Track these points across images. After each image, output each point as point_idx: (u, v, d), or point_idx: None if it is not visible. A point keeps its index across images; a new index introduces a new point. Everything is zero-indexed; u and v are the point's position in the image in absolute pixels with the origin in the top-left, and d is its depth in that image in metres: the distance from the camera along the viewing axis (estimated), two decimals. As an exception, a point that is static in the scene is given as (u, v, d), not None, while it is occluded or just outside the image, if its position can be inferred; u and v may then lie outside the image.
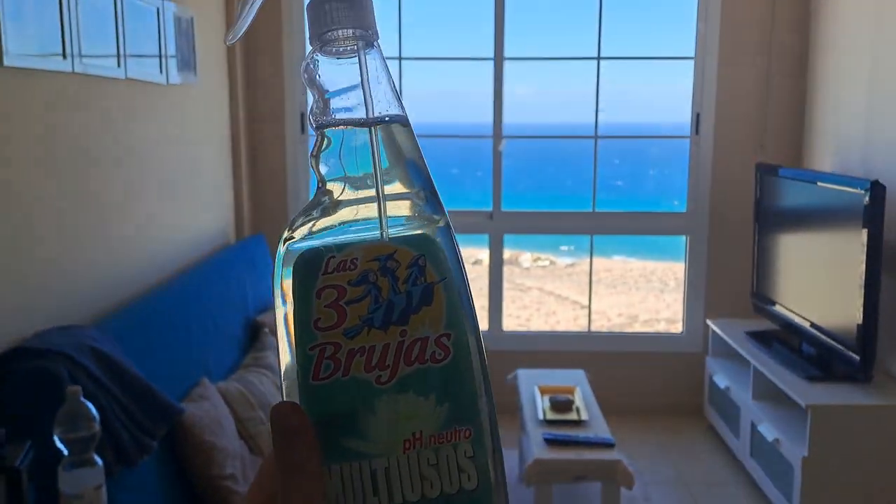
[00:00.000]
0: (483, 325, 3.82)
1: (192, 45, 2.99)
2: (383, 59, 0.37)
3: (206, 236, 3.17)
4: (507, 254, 3.84)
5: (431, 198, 0.36)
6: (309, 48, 0.37)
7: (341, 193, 0.36)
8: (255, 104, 3.62)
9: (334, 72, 0.37)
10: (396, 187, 0.36)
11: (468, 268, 0.36)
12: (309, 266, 0.34)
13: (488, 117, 3.65)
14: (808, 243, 3.08)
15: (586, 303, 3.94)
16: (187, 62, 2.95)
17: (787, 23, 3.45)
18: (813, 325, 2.88)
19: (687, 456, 3.31)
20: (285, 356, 0.35)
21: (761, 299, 3.31)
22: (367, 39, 0.36)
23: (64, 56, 2.01)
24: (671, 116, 3.87)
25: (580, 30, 3.81)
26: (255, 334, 2.85)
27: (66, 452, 1.46)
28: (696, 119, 3.59)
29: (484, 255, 3.89)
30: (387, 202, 0.35)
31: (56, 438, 1.45)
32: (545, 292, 7.02)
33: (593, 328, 4.09)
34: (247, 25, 0.39)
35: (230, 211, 3.52)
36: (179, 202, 2.91)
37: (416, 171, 0.36)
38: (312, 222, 0.35)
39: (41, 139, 1.97)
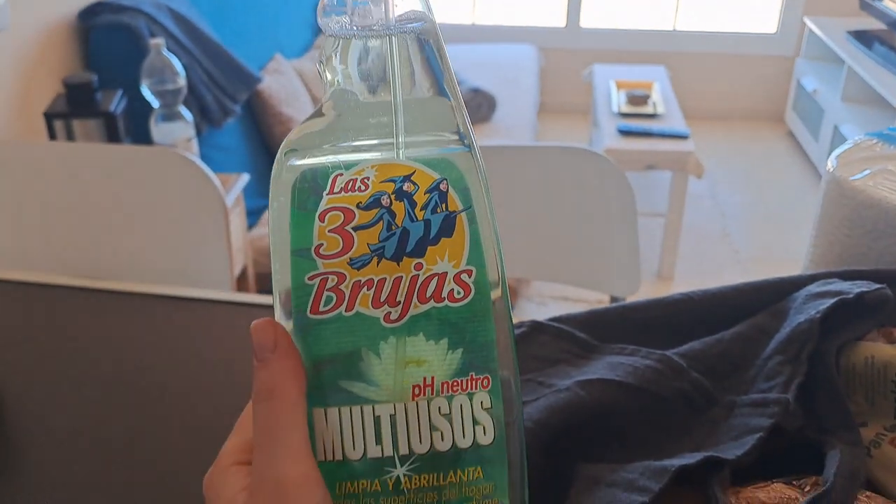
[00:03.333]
0: (560, 21, 3.64)
1: None
2: None
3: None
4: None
5: (459, 117, 0.31)
6: None
7: (350, 104, 0.31)
8: None
9: None
10: (418, 99, 0.31)
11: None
12: (311, 185, 0.30)
13: None
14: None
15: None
16: None
17: None
18: (924, 20, 2.64)
19: (760, 159, 3.28)
20: (281, 286, 0.31)
21: (871, -6, 3.02)
22: None
23: None
24: None
25: None
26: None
27: (155, 104, 1.52)
28: None
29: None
30: (404, 118, 0.30)
31: (145, 89, 1.51)
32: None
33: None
34: None
35: None
36: None
37: (443, 86, 0.31)
38: (317, 135, 0.31)
39: None
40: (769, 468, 0.38)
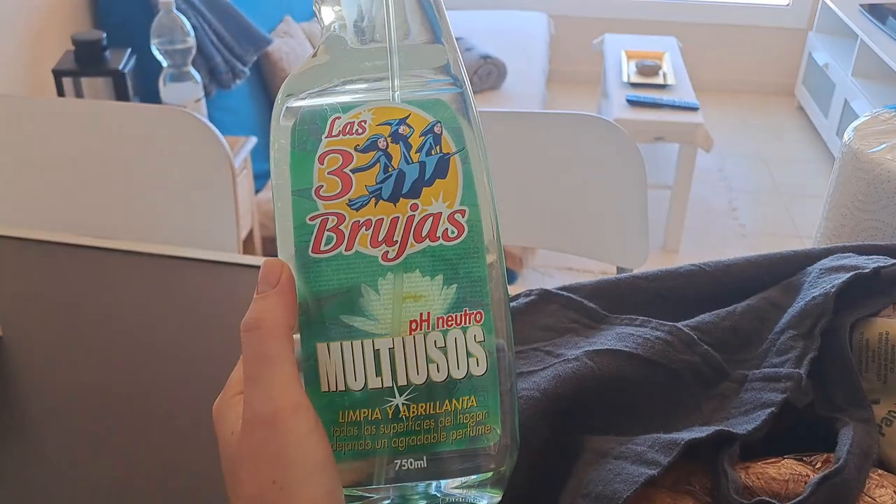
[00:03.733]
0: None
1: None
2: None
3: None
4: None
5: (452, 60, 0.32)
6: None
7: (347, 47, 0.32)
8: None
9: None
10: (412, 43, 0.32)
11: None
12: (310, 127, 0.31)
13: None
14: None
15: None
16: None
17: None
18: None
19: (769, 133, 3.25)
20: (284, 225, 0.32)
21: (889, -33, 2.96)
22: None
23: None
24: None
25: None
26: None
27: (164, 63, 1.51)
28: None
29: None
30: (399, 59, 0.31)
31: (154, 48, 1.49)
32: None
33: None
34: None
35: None
36: None
37: (437, 29, 0.32)
38: (314, 78, 0.32)
39: None
40: (778, 444, 0.38)
